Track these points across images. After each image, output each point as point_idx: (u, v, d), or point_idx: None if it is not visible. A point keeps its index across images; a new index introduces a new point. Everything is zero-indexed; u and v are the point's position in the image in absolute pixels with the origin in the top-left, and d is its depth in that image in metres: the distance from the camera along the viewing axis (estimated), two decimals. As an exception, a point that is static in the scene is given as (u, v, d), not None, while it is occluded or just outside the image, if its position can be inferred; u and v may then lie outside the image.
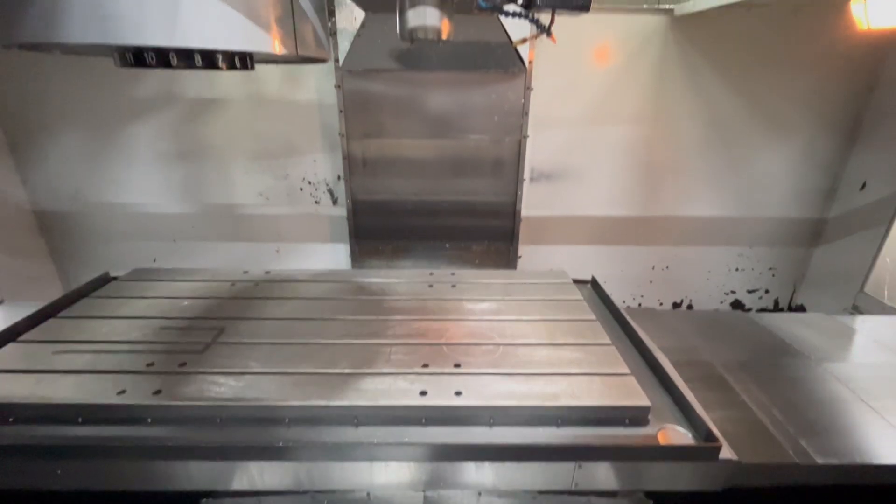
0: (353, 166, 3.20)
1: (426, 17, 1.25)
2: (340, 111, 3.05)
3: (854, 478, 1.42)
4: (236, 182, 3.54)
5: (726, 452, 1.29)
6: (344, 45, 2.84)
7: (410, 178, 3.24)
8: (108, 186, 3.50)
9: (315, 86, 3.24)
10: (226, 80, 3.23)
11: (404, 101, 3.03)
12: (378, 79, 2.96)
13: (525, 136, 3.10)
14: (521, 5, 1.27)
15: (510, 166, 3.19)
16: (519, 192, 3.26)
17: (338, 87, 2.99)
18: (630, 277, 3.99)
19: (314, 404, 1.32)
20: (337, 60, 2.87)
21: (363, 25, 2.80)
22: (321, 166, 3.51)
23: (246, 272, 2.25)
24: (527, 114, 3.04)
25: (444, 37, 1.35)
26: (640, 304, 4.11)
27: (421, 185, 3.26)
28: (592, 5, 1.27)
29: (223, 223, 3.67)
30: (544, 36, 1.42)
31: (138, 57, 1.24)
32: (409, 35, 1.33)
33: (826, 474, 1.41)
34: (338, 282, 2.15)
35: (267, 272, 2.26)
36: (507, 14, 1.28)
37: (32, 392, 1.36)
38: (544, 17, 1.35)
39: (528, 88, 2.99)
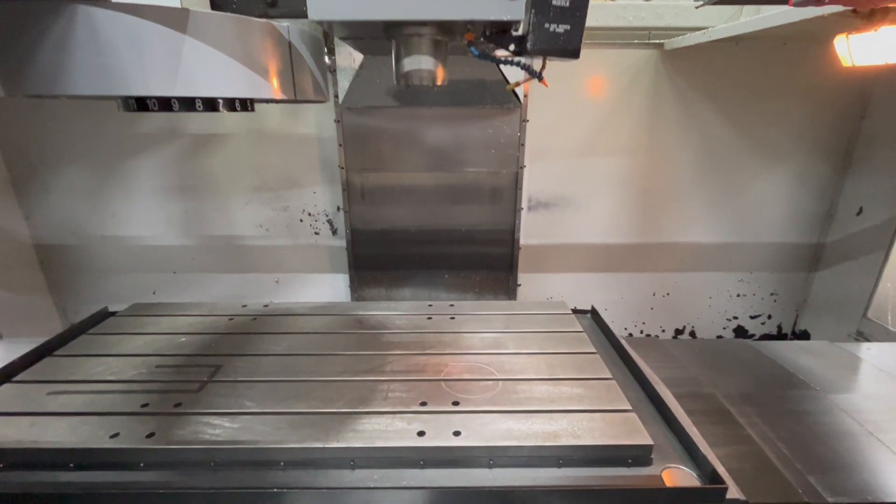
0: (352, 197, 3.24)
1: (421, 65, 1.29)
2: (340, 145, 3.10)
3: (866, 517, 1.38)
4: (236, 214, 3.57)
5: (733, 492, 1.25)
6: (343, 84, 2.92)
7: (409, 210, 3.27)
8: (109, 220, 3.54)
9: (315, 120, 3.32)
10: (227, 116, 3.31)
11: (402, 135, 3.09)
12: (377, 114, 3.03)
13: (522, 167, 3.14)
14: (512, 52, 1.30)
15: (508, 196, 3.22)
16: (517, 222, 3.28)
17: (337, 121, 3.06)
18: (631, 304, 3.97)
19: (310, 447, 1.30)
20: (336, 97, 2.94)
21: (362, 66, 2.88)
22: (321, 198, 3.55)
23: (244, 306, 2.24)
24: (523, 145, 3.10)
25: (438, 83, 1.38)
26: (641, 332, 4.07)
27: (419, 216, 3.29)
28: (584, 40, 1.30)
29: (223, 255, 3.69)
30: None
31: (141, 102, 1.27)
32: (405, 81, 1.36)
33: (837, 514, 1.38)
34: (335, 315, 2.14)
35: (265, 305, 2.26)
36: (499, 62, 1.32)
37: (24, 436, 1.34)
38: (536, 63, 1.38)
39: (523, 121, 3.04)
